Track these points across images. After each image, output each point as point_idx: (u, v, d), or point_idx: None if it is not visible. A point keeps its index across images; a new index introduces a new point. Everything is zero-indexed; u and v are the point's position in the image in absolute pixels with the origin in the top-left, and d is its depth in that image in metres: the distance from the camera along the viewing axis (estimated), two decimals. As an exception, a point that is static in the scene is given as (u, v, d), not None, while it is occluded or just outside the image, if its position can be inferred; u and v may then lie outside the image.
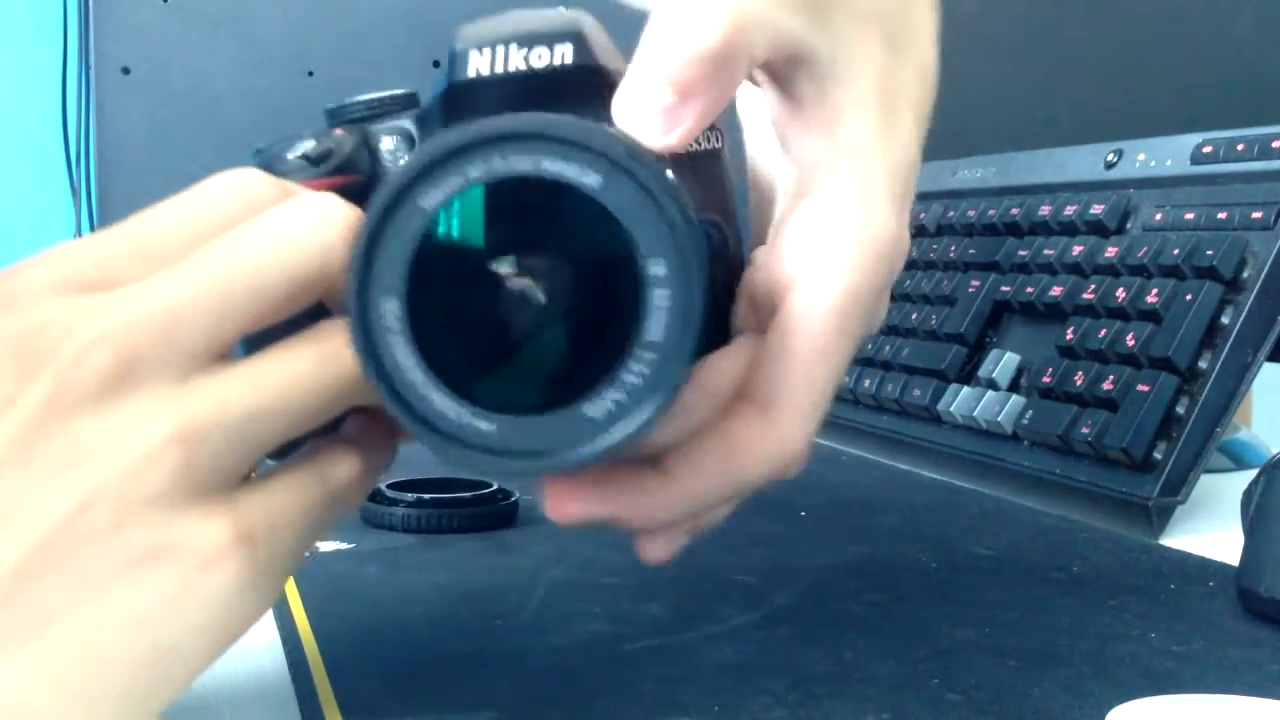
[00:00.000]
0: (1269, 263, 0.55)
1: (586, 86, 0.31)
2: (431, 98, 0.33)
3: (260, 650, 0.39)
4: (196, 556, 0.26)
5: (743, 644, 0.39)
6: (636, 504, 0.31)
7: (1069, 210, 0.66)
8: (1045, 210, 0.68)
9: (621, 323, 0.27)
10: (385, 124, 0.35)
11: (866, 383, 0.74)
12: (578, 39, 0.32)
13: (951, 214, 0.76)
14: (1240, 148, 0.59)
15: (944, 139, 1.00)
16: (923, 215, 0.79)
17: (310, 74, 1.05)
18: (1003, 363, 0.65)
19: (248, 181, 0.29)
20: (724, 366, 0.31)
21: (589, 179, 0.26)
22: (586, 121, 0.27)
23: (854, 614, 0.42)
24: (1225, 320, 0.55)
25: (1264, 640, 0.40)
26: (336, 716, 0.33)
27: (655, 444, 0.31)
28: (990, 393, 0.65)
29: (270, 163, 0.33)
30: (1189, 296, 0.56)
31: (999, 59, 0.85)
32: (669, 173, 0.27)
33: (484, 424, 0.27)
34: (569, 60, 0.31)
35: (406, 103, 0.36)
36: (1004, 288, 0.67)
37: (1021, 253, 0.68)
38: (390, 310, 0.26)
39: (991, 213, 0.72)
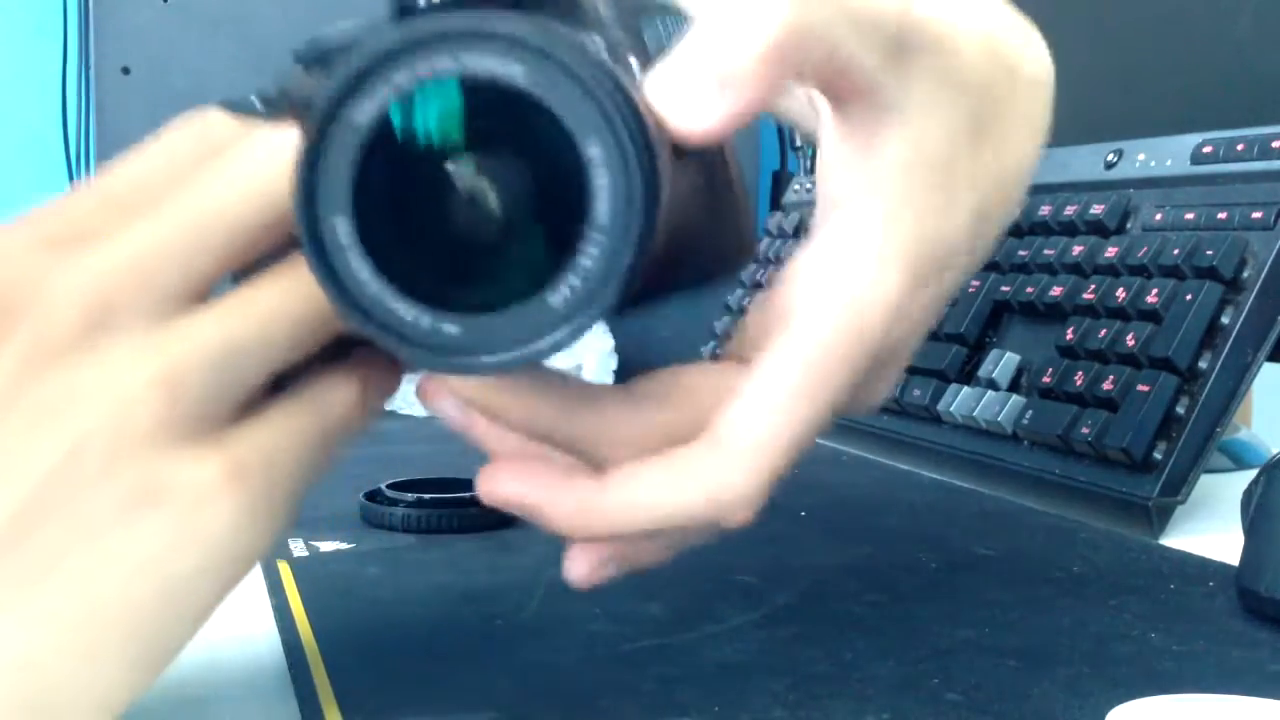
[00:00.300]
0: (1269, 263, 0.55)
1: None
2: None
3: (260, 650, 0.39)
4: (190, 495, 0.26)
5: (743, 644, 0.39)
6: (564, 500, 0.30)
7: (1069, 210, 0.66)
8: (1045, 210, 0.68)
9: (574, 211, 0.26)
10: None
11: (866, 383, 0.74)
12: None
13: (951, 214, 0.76)
14: (1240, 148, 0.59)
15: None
16: (923, 215, 0.79)
17: (310, 74, 1.05)
18: (1003, 363, 0.65)
19: (208, 123, 0.29)
20: (694, 379, 0.31)
21: (512, 69, 0.26)
22: (497, 12, 0.26)
23: (854, 614, 0.42)
24: (1225, 320, 0.55)
25: (1264, 640, 0.40)
26: (336, 716, 0.33)
27: (611, 435, 0.30)
28: (990, 393, 0.65)
29: (233, 107, 0.32)
30: (1189, 296, 0.56)
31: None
32: (598, 52, 0.27)
33: (450, 326, 0.27)
34: None
35: None
36: (1004, 288, 0.67)
37: (1021, 253, 0.68)
38: (340, 227, 0.26)
39: (991, 213, 0.72)
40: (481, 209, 0.28)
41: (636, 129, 0.26)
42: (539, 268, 0.27)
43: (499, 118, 0.27)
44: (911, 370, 0.71)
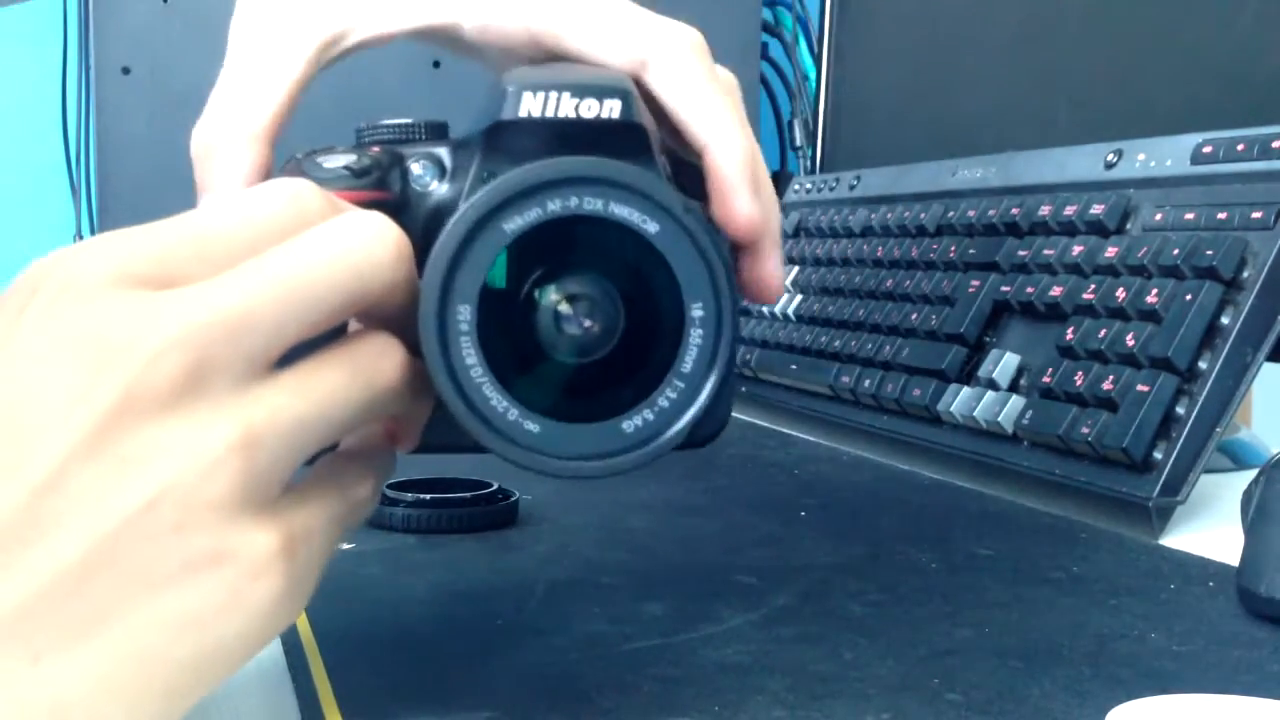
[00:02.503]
0: (1269, 263, 0.55)
1: (627, 142, 0.34)
2: (472, 130, 0.35)
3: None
4: (248, 564, 0.26)
5: (743, 644, 0.39)
6: None
7: (1069, 210, 0.66)
8: (1045, 210, 0.68)
9: (660, 350, 0.31)
10: (416, 149, 0.37)
11: (866, 383, 0.74)
12: (626, 97, 0.34)
13: (951, 214, 0.76)
14: (1240, 148, 0.59)
15: (944, 139, 1.00)
16: (923, 215, 0.79)
17: (310, 74, 1.05)
18: (1003, 363, 0.65)
19: (301, 192, 0.30)
20: None
21: (649, 225, 0.31)
22: (651, 174, 0.31)
23: (854, 614, 0.42)
24: (1225, 320, 0.55)
25: (1264, 640, 0.40)
26: (336, 716, 0.33)
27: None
28: (990, 393, 0.65)
29: (307, 171, 0.35)
30: (1189, 296, 0.56)
31: (999, 59, 0.85)
32: (714, 228, 0.32)
33: (532, 425, 0.30)
34: (615, 115, 0.34)
35: (436, 131, 0.38)
36: (1004, 288, 0.67)
37: (1021, 253, 0.68)
38: (463, 314, 0.30)
39: (991, 213, 0.72)
40: (577, 331, 0.32)
41: (732, 301, 0.31)
42: (619, 394, 0.31)
43: (612, 255, 0.32)
44: (911, 370, 0.71)
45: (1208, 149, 0.61)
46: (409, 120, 0.37)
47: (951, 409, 0.66)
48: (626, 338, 0.32)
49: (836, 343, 0.80)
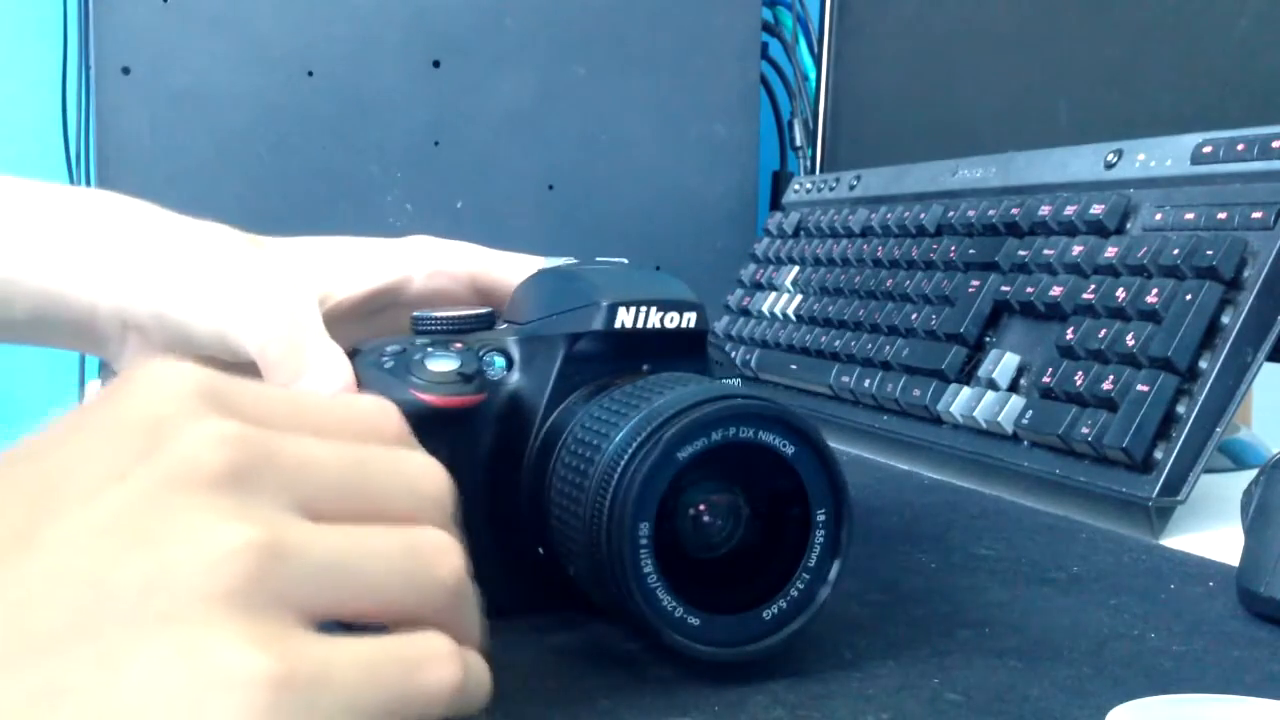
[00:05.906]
0: (1269, 263, 0.55)
1: (694, 346, 0.41)
2: (562, 334, 0.41)
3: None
4: (225, 675, 0.24)
5: (743, 644, 0.39)
6: None
7: (1069, 210, 0.66)
8: (1045, 210, 0.68)
9: (790, 547, 0.37)
10: (481, 337, 0.41)
11: (866, 383, 0.74)
12: (700, 310, 0.41)
13: (951, 214, 0.76)
14: (1240, 148, 0.59)
15: (944, 139, 1.00)
16: (923, 215, 0.79)
17: (310, 74, 1.05)
18: (1003, 363, 0.65)
19: (391, 413, 0.32)
20: None
21: (787, 448, 0.36)
22: (792, 407, 0.36)
23: (854, 614, 0.42)
24: (1225, 320, 0.55)
25: (1264, 640, 0.40)
26: (336, 716, 0.33)
27: None
28: (990, 393, 0.65)
29: (414, 373, 0.39)
30: (1189, 296, 0.56)
31: (999, 59, 0.85)
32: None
33: (694, 619, 0.35)
34: (691, 325, 0.41)
35: (485, 321, 0.42)
36: (1004, 288, 0.67)
37: (1021, 253, 0.68)
38: (644, 531, 0.34)
39: (991, 213, 0.72)
40: (720, 535, 0.37)
41: (849, 505, 0.37)
42: (758, 587, 0.36)
43: (758, 471, 0.37)
44: (911, 370, 0.71)
45: (1208, 149, 0.61)
46: (458, 313, 0.42)
47: (951, 409, 0.66)
48: (761, 537, 0.37)
49: (836, 343, 0.80)
